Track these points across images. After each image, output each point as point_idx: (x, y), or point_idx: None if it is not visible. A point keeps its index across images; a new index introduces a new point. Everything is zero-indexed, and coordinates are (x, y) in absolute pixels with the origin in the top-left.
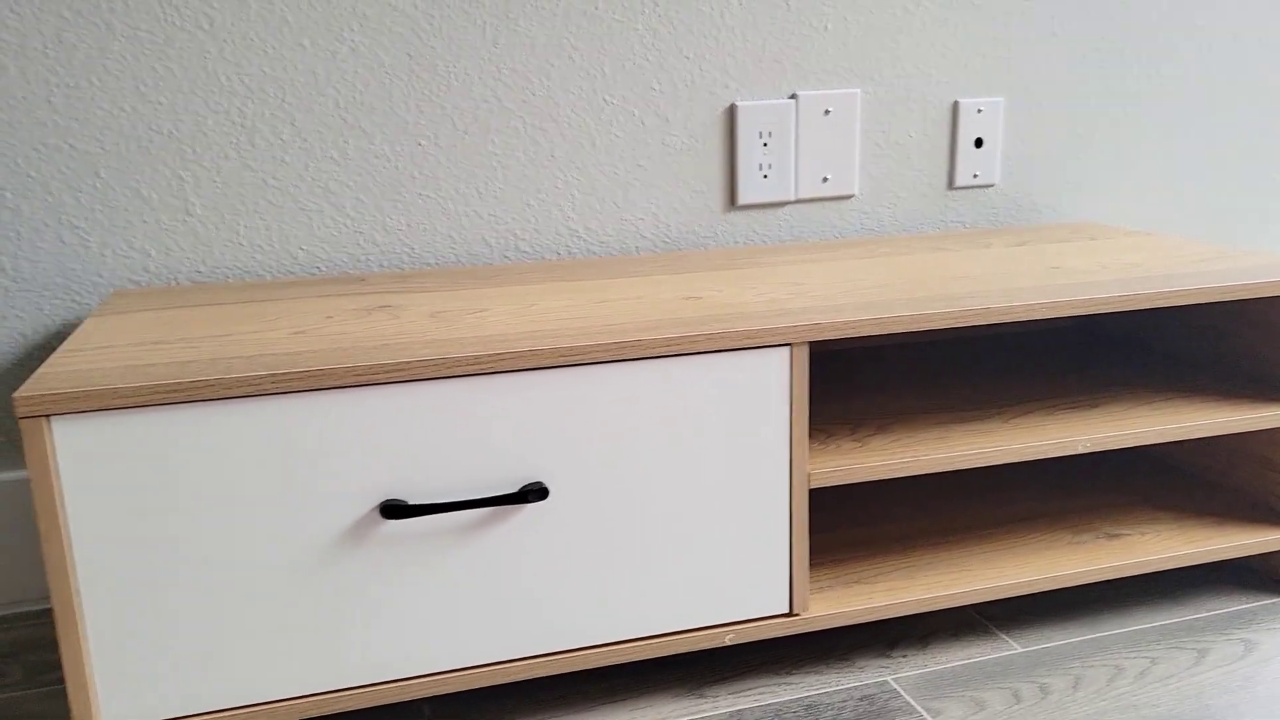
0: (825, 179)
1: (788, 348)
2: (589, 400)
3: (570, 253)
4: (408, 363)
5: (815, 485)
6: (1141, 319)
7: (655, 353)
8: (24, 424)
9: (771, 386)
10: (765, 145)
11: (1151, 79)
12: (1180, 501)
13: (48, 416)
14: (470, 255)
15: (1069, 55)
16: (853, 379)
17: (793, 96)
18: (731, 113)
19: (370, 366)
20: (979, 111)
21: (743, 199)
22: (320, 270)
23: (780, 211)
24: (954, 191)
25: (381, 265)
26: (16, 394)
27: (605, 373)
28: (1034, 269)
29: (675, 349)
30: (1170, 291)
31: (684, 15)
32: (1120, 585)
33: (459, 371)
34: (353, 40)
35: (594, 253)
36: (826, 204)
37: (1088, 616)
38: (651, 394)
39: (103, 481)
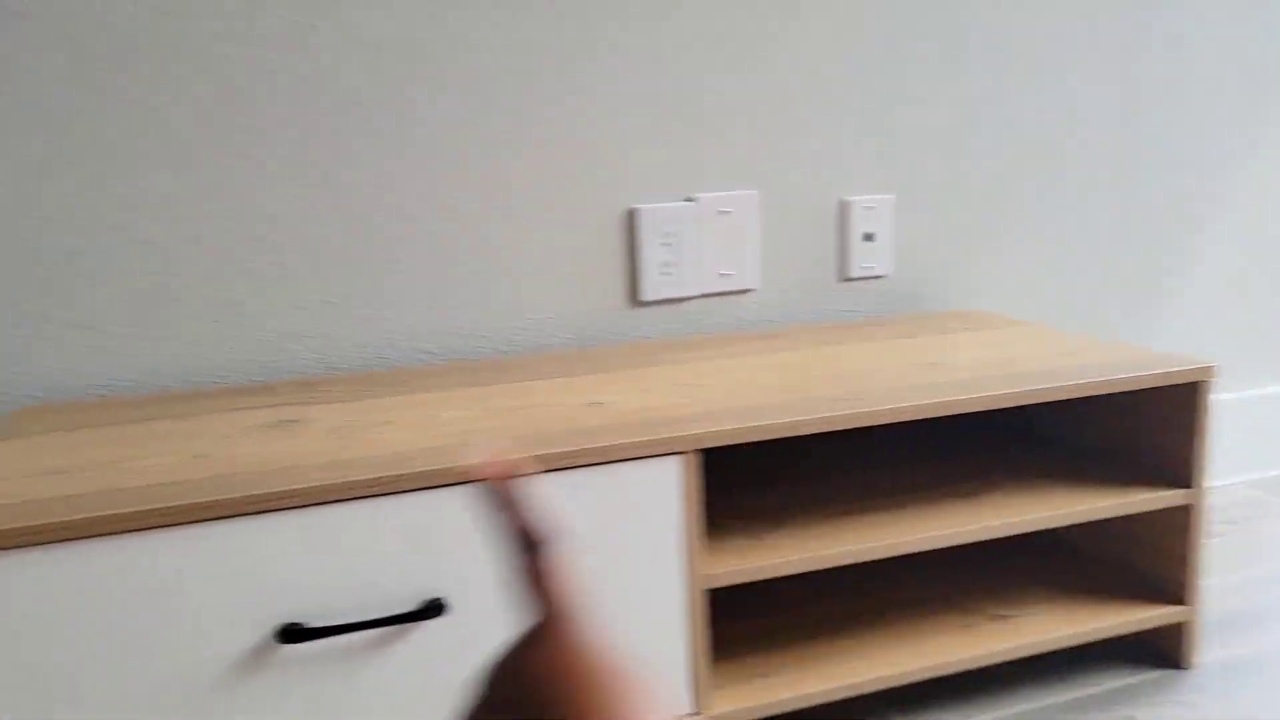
0: (724, 274)
1: (680, 456)
2: (486, 514)
3: (478, 353)
4: (304, 489)
5: (712, 585)
6: (1022, 407)
7: (553, 465)
8: None
9: (666, 493)
10: (667, 245)
11: (1032, 174)
12: (1070, 581)
13: None
14: (378, 359)
15: (953, 153)
16: (750, 473)
17: (690, 199)
18: (632, 215)
19: (265, 495)
20: (868, 208)
21: (645, 295)
22: (228, 378)
23: (683, 306)
24: (848, 283)
25: (290, 372)
26: None
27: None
28: (916, 365)
29: (572, 461)
30: (1040, 390)
31: (582, 124)
32: (1013, 664)
33: (355, 494)
34: (255, 154)
35: (502, 352)
36: (727, 298)
37: (982, 697)
38: (555, 501)
39: None
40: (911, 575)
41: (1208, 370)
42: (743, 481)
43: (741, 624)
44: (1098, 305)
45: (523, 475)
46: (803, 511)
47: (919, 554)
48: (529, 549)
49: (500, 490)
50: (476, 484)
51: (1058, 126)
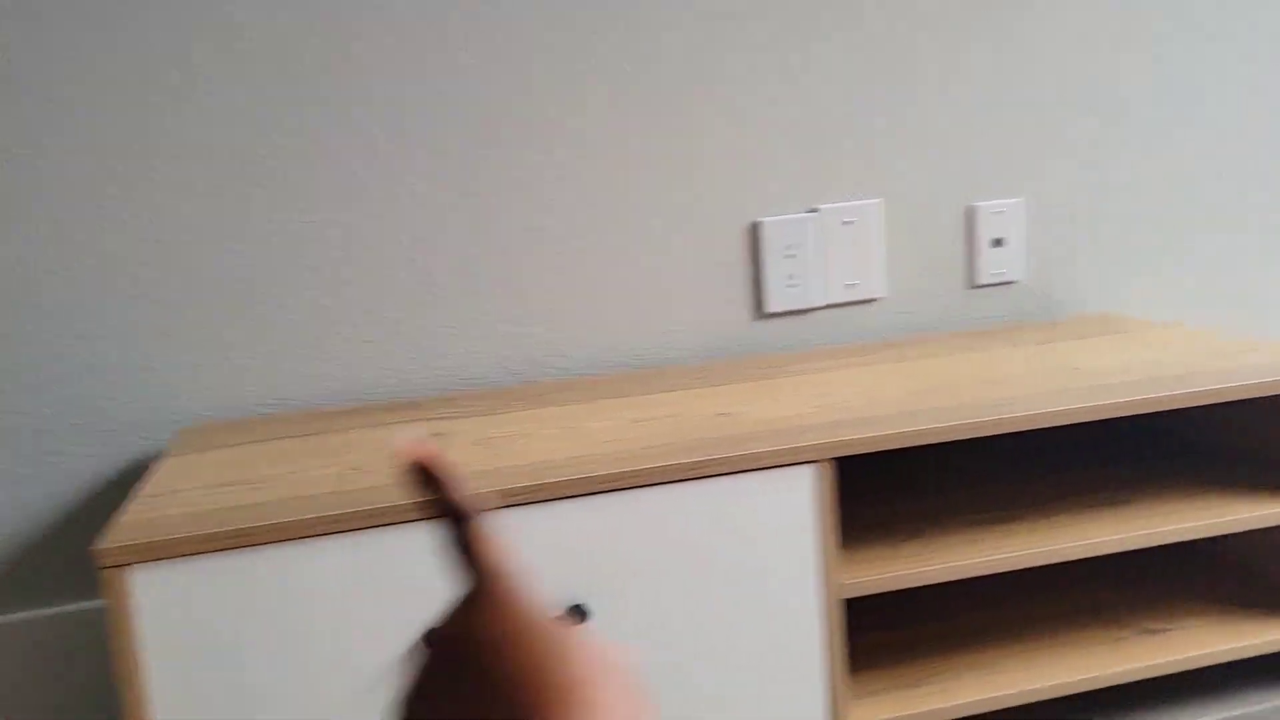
0: (850, 285)
1: (815, 465)
2: (627, 522)
3: (610, 367)
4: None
5: (848, 595)
6: (1172, 413)
7: (689, 475)
8: (104, 573)
9: (801, 502)
10: (790, 257)
11: (1162, 171)
12: (1222, 594)
13: (126, 566)
14: (517, 375)
15: (1081, 154)
16: (886, 482)
17: (813, 210)
18: (755, 228)
19: (424, 503)
20: (997, 213)
21: (771, 307)
22: (378, 396)
23: (808, 317)
24: (977, 290)
25: (433, 390)
26: (97, 546)
27: (642, 496)
28: (1055, 370)
29: (708, 471)
30: (1186, 393)
31: (709, 143)
32: (1167, 680)
33: (505, 502)
34: (410, 183)
35: (630, 366)
36: (852, 308)
37: (1134, 714)
38: (687, 514)
39: (178, 624)
40: (1058, 586)
41: None
42: (880, 491)
43: (880, 635)
44: (1241, 306)
45: (441, 456)
46: (942, 521)
47: (1065, 564)
48: (457, 521)
49: (424, 468)
50: (403, 464)
51: (1195, 121)
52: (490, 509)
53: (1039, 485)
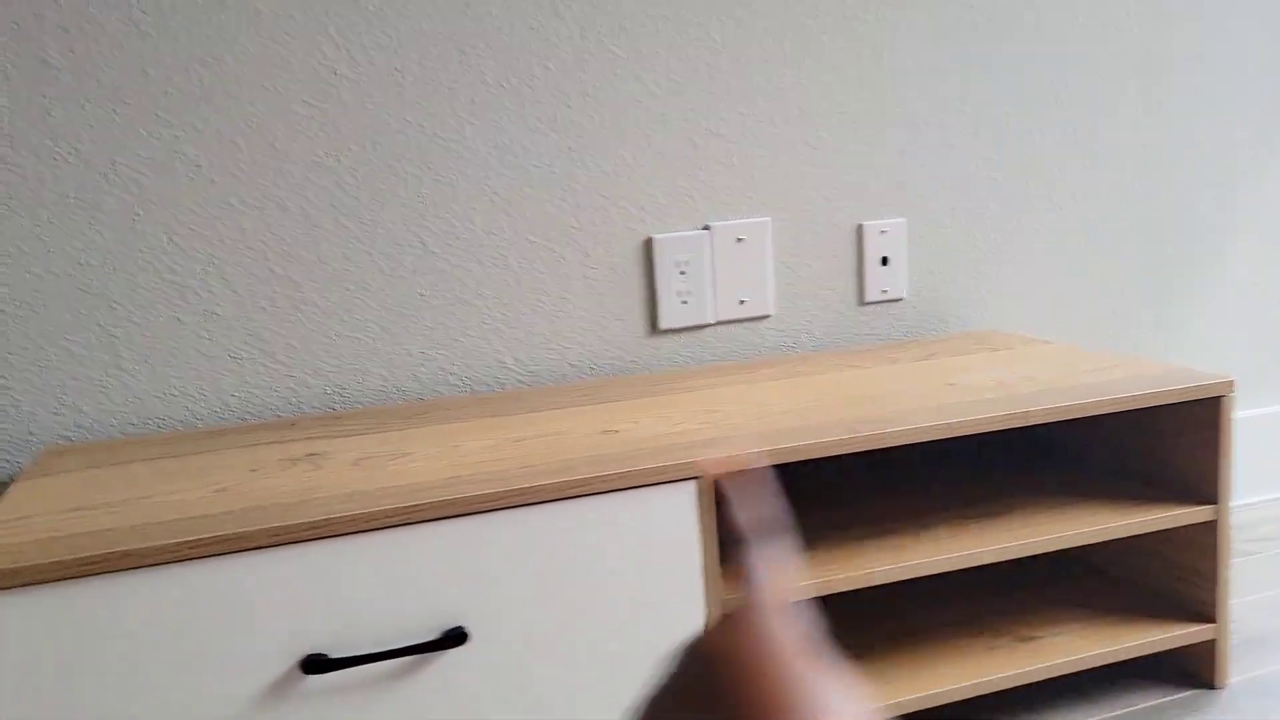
0: (742, 301)
1: (697, 481)
2: (504, 543)
3: (500, 384)
4: (325, 520)
5: (730, 609)
6: (1045, 426)
7: (567, 494)
8: None
9: (682, 520)
10: (683, 274)
11: (1043, 193)
12: (1095, 601)
13: None
14: (400, 391)
15: (964, 175)
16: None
17: (706, 227)
18: (648, 245)
19: (288, 527)
20: (882, 232)
21: (664, 324)
22: (252, 416)
23: (701, 334)
24: (865, 307)
25: (314, 408)
26: None
27: (519, 516)
28: (934, 386)
29: (586, 489)
30: (1054, 407)
31: (598, 158)
32: (1041, 686)
33: (377, 525)
34: (279, 196)
35: (523, 383)
36: (744, 325)
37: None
38: (566, 534)
39: (25, 653)
40: (936, 597)
41: (1227, 384)
42: None
43: None
44: (1117, 322)
45: (745, 474)
46: (824, 535)
47: (943, 575)
48: (741, 542)
49: (723, 487)
50: (707, 480)
51: (1072, 144)
52: (777, 536)
53: (921, 498)
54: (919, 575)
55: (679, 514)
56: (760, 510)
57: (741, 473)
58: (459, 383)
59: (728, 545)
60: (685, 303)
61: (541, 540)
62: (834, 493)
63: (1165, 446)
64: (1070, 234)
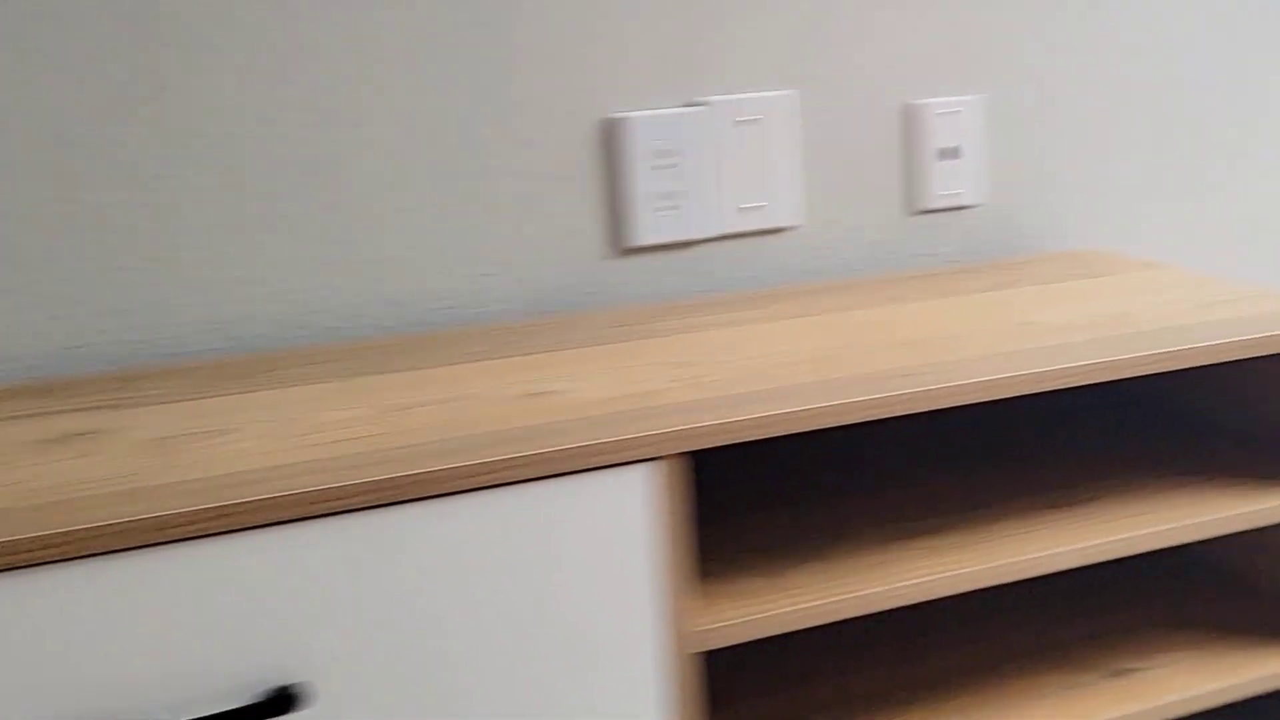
0: (749, 208)
1: (650, 464)
2: (358, 560)
3: (393, 327)
4: (84, 532)
5: (706, 646)
6: (1143, 380)
7: (457, 487)
8: None
9: (631, 518)
10: (668, 168)
11: (1168, 69)
12: (1208, 614)
13: None
14: (239, 341)
15: (1062, 41)
16: (766, 483)
17: (698, 103)
18: (612, 127)
19: (29, 540)
20: (949, 114)
21: (636, 239)
22: (16, 376)
23: (691, 254)
24: (923, 216)
25: (100, 364)
26: None
27: (387, 520)
28: (1003, 326)
29: (487, 479)
30: (1155, 354)
31: (538, 9)
32: None
33: (163, 537)
34: (46, 46)
35: (428, 326)
36: (756, 240)
37: None
38: (451, 546)
39: None
40: (1000, 615)
41: None
42: (753, 497)
43: (756, 701)
44: (1255, 245)
45: None
46: (841, 535)
47: (1008, 586)
48: None
49: None
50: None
51: (1204, 6)
52: None
53: (971, 481)
54: (973, 588)
55: (629, 511)
56: None
57: None
58: (333, 324)
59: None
60: (668, 210)
61: (413, 556)
62: (853, 475)
63: None
64: (1206, 129)
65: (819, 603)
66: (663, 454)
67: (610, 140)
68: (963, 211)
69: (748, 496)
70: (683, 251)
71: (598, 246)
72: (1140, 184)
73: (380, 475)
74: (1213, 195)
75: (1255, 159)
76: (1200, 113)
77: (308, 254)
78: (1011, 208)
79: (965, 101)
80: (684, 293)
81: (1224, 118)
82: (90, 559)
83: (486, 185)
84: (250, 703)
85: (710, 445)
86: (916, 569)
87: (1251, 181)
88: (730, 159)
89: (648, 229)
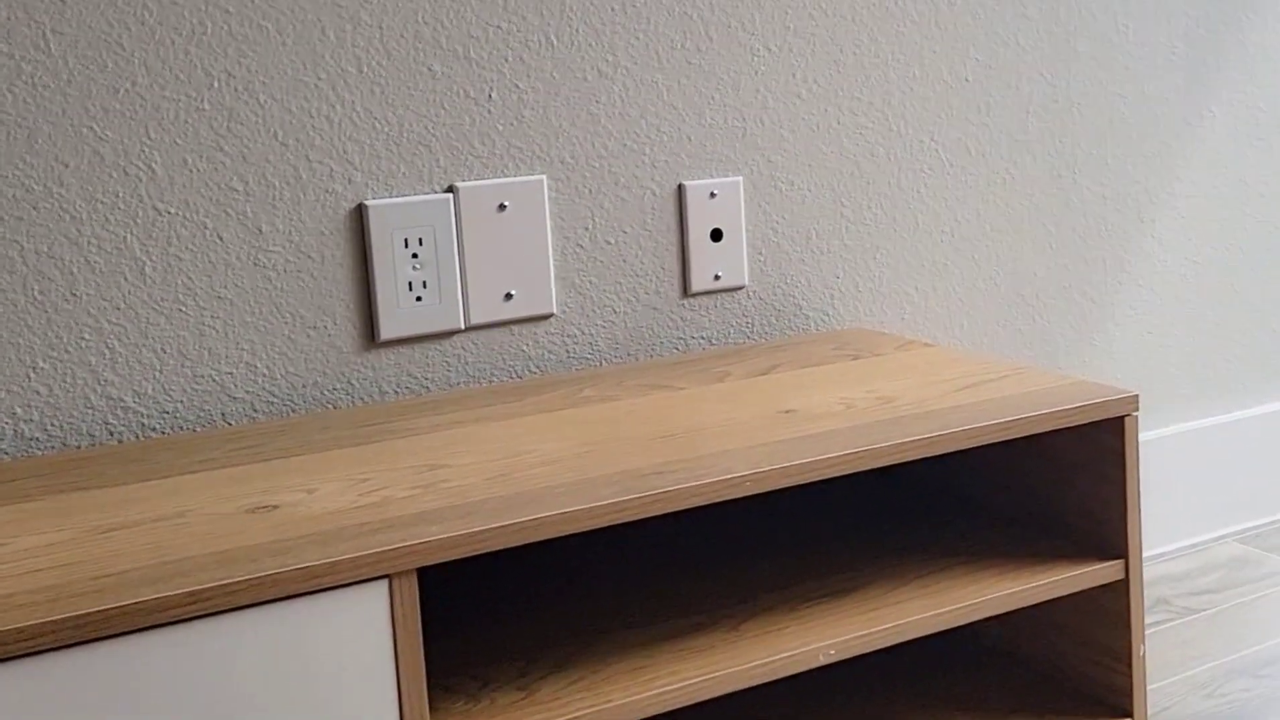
0: (509, 295)
1: (378, 581)
2: (60, 701)
3: (110, 435)
4: None
5: None
6: (909, 463)
7: (166, 618)
8: None
9: (365, 638)
10: (416, 255)
11: (929, 152)
12: (985, 692)
13: None
14: None
15: (825, 121)
16: (522, 586)
17: (449, 189)
18: (360, 214)
19: None
20: (712, 196)
21: (385, 333)
22: None
23: (445, 345)
24: (691, 299)
25: None
26: None
27: (80, 660)
28: (765, 414)
29: (198, 609)
30: (906, 442)
31: (280, 88)
32: None
33: None
34: None
35: (152, 430)
36: (513, 329)
37: None
38: (161, 680)
39: None
40: (763, 713)
41: (1130, 401)
42: (507, 603)
43: None
44: (1008, 321)
45: None
46: (600, 640)
47: (773, 684)
48: None
49: None
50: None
51: (963, 96)
52: None
53: (736, 577)
54: (728, 691)
55: (361, 634)
56: None
57: None
58: (38, 435)
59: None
60: (420, 300)
61: (111, 698)
62: (610, 575)
63: (1061, 482)
64: (962, 204)
65: (575, 715)
66: (393, 571)
67: (360, 228)
68: (731, 294)
69: (506, 598)
70: (437, 344)
71: (349, 340)
72: (902, 261)
73: (71, 612)
74: (974, 270)
75: (1018, 232)
76: (957, 193)
77: (20, 360)
78: (777, 288)
79: (727, 183)
80: (442, 383)
81: (983, 196)
82: None
83: (218, 281)
84: None
85: (442, 560)
86: (676, 672)
87: (1014, 256)
88: (486, 245)
89: (397, 320)
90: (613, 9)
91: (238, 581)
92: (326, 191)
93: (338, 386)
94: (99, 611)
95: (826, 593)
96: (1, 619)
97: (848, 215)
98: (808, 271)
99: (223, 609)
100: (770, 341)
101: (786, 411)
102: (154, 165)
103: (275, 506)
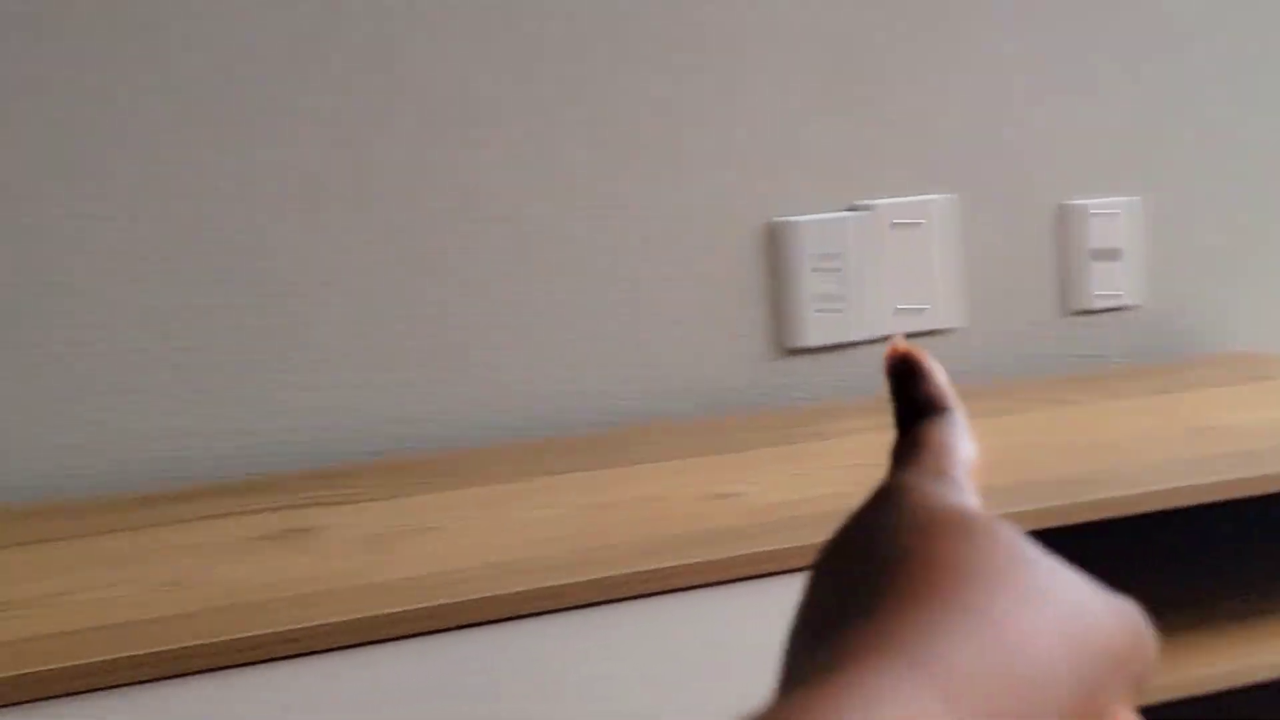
0: (907, 310)
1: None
2: (565, 656)
3: (570, 428)
4: (323, 627)
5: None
6: None
7: (659, 586)
8: None
9: None
10: (828, 271)
11: None
12: None
13: None
14: (427, 439)
15: (1226, 138)
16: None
17: (858, 207)
18: (775, 231)
19: (267, 638)
20: (1107, 215)
21: (798, 340)
22: (211, 473)
23: (852, 355)
24: (1079, 317)
25: (303, 460)
26: None
27: (607, 617)
28: (1177, 433)
29: (687, 580)
30: None
31: (709, 113)
32: None
33: (395, 633)
34: (229, 175)
35: (601, 424)
36: (919, 342)
37: None
38: (664, 639)
39: None
40: None
41: None
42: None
43: None
44: None
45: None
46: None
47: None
48: (932, 415)
49: (913, 359)
50: (888, 360)
51: None
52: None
53: (1146, 596)
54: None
55: None
56: (937, 386)
57: (917, 352)
58: (515, 424)
59: (904, 417)
60: (829, 311)
61: (624, 654)
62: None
63: None
64: None
65: None
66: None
67: (775, 244)
68: (1123, 313)
69: None
70: (845, 353)
71: (763, 349)
72: None
73: (592, 576)
74: None
75: None
76: None
77: (492, 359)
78: (1173, 309)
79: (1124, 202)
80: (846, 390)
81: None
82: (326, 654)
83: (658, 293)
84: None
85: None
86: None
87: None
88: (889, 261)
89: (810, 331)
90: (1011, 40)
91: (720, 560)
92: (748, 210)
93: (756, 391)
94: (615, 576)
95: (1247, 620)
96: (539, 577)
97: (1247, 234)
98: (1202, 291)
99: (694, 584)
100: (1168, 363)
101: (1200, 429)
102: (615, 193)
103: (734, 494)
